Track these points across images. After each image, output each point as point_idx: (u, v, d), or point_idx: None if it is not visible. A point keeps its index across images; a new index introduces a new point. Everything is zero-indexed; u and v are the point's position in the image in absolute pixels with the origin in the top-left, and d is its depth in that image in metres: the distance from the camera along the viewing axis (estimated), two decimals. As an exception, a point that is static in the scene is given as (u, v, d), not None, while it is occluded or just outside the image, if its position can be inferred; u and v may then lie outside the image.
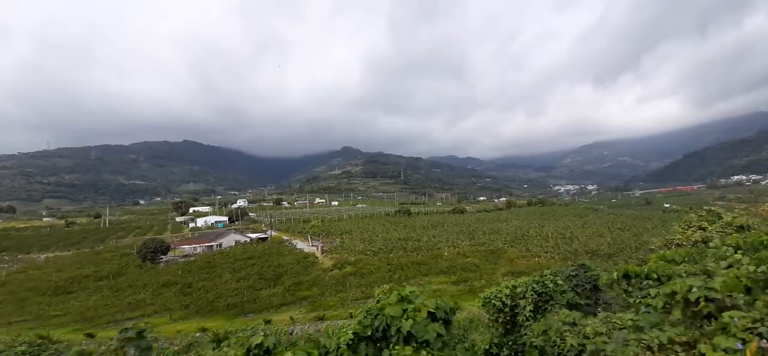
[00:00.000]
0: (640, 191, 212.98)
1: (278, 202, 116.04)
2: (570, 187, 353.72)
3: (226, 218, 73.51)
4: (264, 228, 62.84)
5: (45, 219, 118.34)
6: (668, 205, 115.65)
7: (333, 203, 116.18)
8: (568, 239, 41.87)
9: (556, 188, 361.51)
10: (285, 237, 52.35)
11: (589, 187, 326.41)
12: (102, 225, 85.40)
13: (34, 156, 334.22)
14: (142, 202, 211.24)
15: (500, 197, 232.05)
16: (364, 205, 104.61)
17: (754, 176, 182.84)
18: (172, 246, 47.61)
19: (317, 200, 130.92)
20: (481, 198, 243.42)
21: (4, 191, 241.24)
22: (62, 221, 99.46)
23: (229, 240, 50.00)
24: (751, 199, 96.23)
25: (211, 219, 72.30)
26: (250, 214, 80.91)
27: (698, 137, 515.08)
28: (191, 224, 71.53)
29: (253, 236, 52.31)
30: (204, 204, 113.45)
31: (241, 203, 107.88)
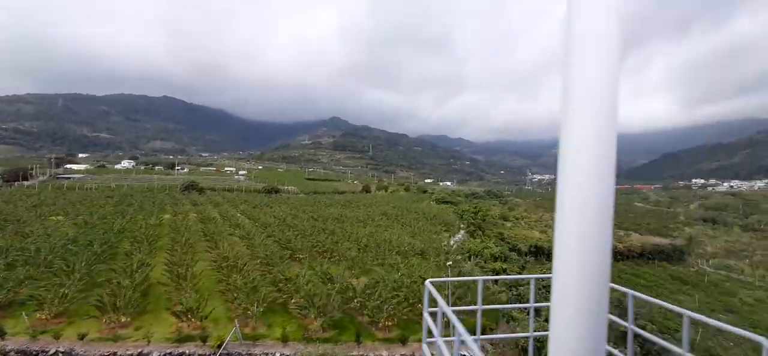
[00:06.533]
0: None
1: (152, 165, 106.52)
2: (545, 177, 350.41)
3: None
4: None
5: None
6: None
7: (240, 172, 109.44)
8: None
9: (531, 177, 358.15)
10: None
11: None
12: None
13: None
14: (81, 155, 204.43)
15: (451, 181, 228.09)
16: (238, 178, 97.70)
17: (713, 180, 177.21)
18: None
19: (226, 169, 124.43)
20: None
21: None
22: None
23: None
24: (664, 205, 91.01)
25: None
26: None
27: (688, 138, 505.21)
28: None
29: None
30: (84, 162, 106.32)
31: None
